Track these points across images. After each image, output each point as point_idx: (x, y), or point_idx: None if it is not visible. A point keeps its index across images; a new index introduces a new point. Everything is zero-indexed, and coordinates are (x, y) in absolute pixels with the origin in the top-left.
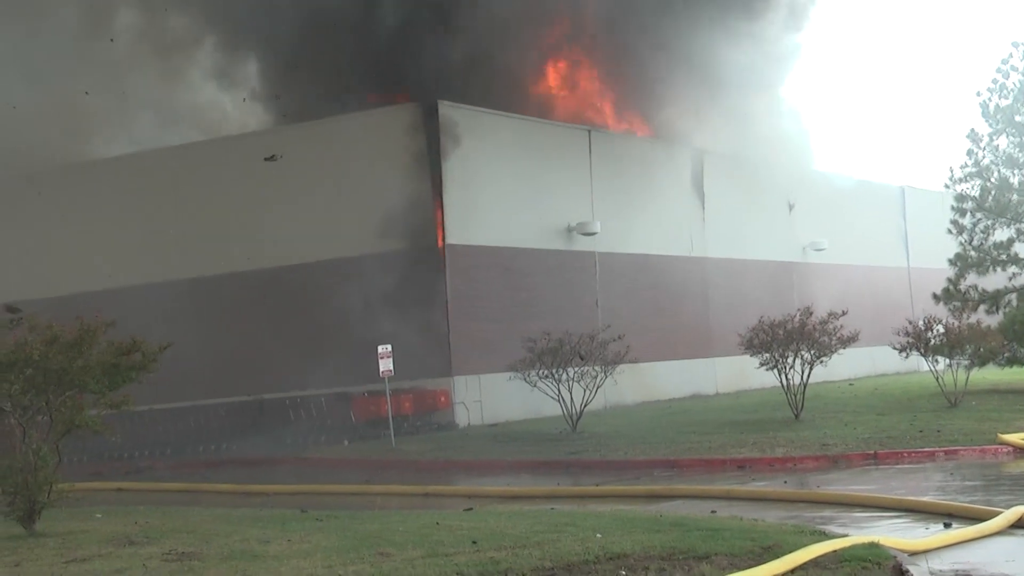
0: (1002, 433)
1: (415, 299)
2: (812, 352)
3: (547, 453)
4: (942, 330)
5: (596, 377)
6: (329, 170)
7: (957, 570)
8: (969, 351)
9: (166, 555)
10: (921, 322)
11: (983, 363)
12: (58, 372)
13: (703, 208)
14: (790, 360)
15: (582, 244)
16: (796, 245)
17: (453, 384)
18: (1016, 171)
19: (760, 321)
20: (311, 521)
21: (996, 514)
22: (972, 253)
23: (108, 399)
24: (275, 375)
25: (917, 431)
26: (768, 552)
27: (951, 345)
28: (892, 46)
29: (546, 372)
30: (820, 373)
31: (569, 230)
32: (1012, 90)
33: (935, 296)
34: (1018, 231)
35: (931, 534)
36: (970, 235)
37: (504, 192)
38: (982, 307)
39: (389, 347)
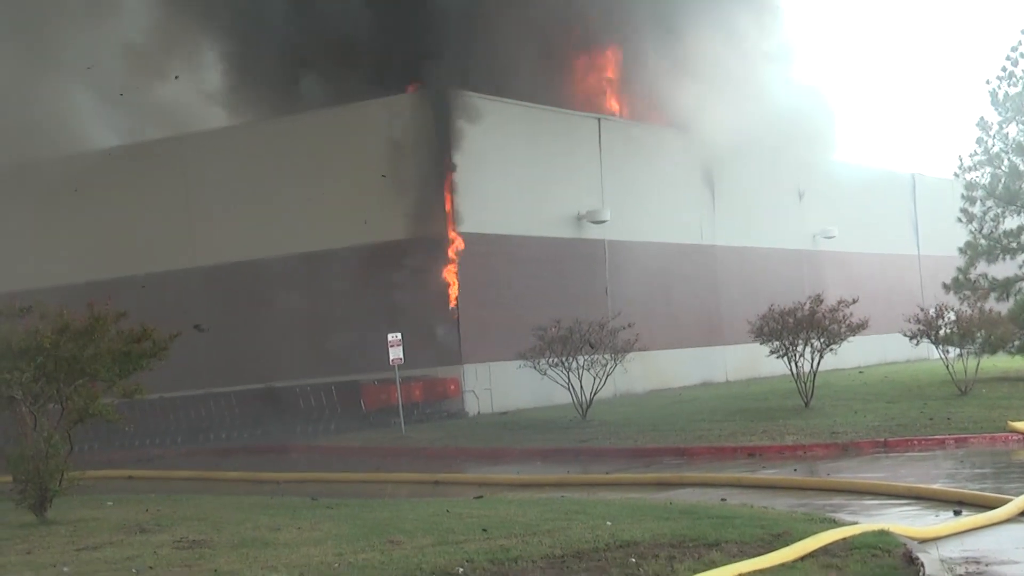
0: (1012, 421)
1: (425, 287)
2: (822, 340)
3: (557, 441)
4: (953, 318)
5: (606, 365)
6: (339, 158)
7: (967, 557)
8: (979, 339)
9: (177, 543)
10: (932, 310)
11: (993, 351)
12: (69, 360)
13: (713, 196)
14: (800, 348)
15: (592, 232)
16: (806, 233)
17: (463, 372)
18: None
19: (770, 309)
20: (321, 509)
21: (1006, 502)
22: (982, 241)
23: (119, 387)
24: (285, 363)
25: (927, 419)
26: (778, 540)
27: (961, 333)
28: (902, 34)
29: (556, 360)
30: (830, 361)
31: (579, 218)
32: (1021, 78)
33: (945, 285)
34: None
35: (941, 522)
36: (980, 223)
37: (514, 180)
38: (992, 295)
39: (399, 335)
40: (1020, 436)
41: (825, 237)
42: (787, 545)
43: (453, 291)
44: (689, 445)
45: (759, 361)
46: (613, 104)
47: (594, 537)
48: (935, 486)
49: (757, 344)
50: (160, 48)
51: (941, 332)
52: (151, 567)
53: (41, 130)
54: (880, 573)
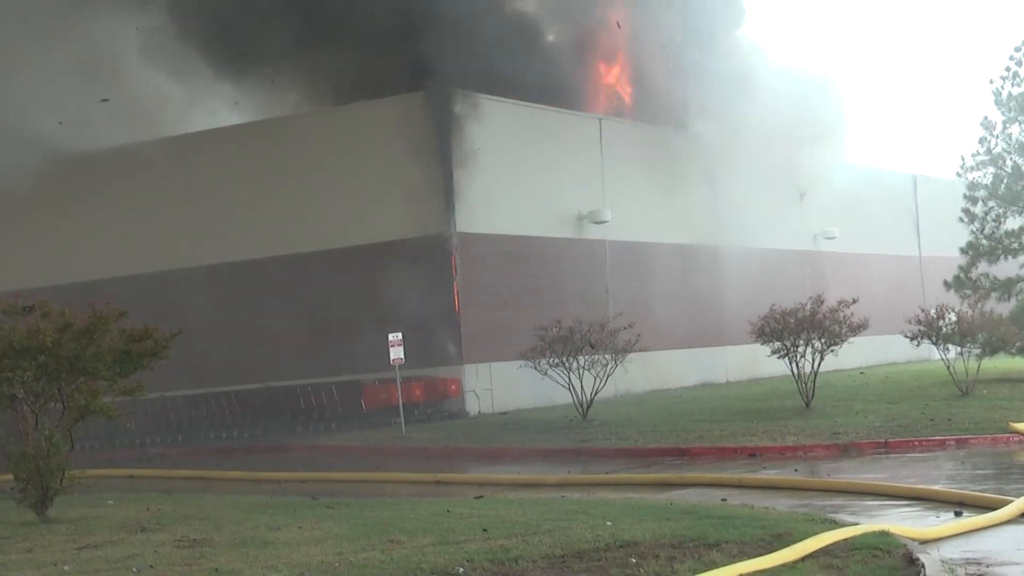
0: (1013, 421)
1: (426, 287)
2: (823, 340)
3: (557, 441)
4: (954, 318)
5: (606, 365)
6: (341, 158)
7: (968, 558)
8: (981, 339)
9: (177, 541)
10: (933, 310)
11: (994, 351)
12: (70, 359)
13: (714, 196)
14: (801, 349)
15: (593, 232)
16: (808, 233)
17: (464, 372)
18: None
19: (771, 309)
20: (322, 508)
21: (1007, 503)
22: (984, 241)
23: (120, 386)
24: (285, 363)
25: (928, 419)
26: (779, 540)
27: (962, 333)
28: (904, 33)
29: (556, 360)
30: (831, 362)
31: (580, 218)
32: None
33: (946, 282)
34: None
35: (942, 522)
36: (982, 223)
37: (515, 180)
38: (993, 295)
39: (400, 335)
40: (1021, 437)
41: (826, 237)
42: (788, 546)
43: (454, 291)
44: (690, 445)
45: (760, 362)
46: (615, 104)
47: (594, 537)
48: (936, 487)
49: (758, 345)
50: (160, 48)
51: (942, 331)
52: (152, 566)
53: (42, 130)
54: (881, 574)
